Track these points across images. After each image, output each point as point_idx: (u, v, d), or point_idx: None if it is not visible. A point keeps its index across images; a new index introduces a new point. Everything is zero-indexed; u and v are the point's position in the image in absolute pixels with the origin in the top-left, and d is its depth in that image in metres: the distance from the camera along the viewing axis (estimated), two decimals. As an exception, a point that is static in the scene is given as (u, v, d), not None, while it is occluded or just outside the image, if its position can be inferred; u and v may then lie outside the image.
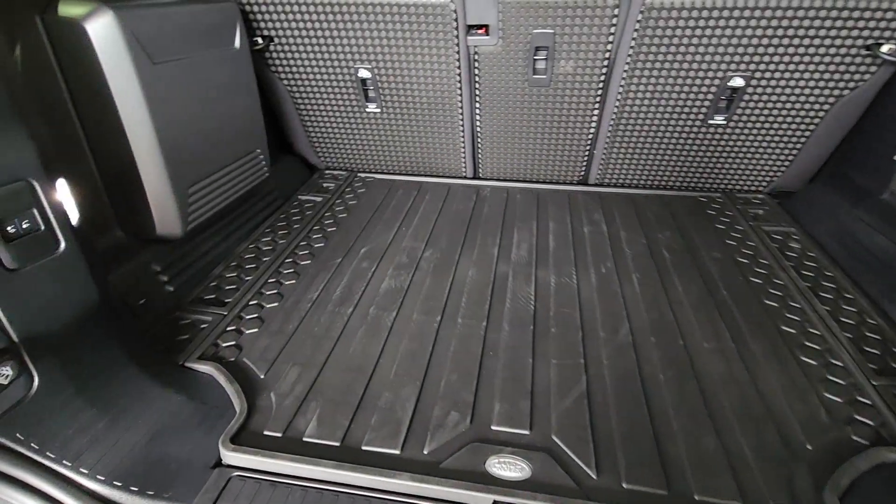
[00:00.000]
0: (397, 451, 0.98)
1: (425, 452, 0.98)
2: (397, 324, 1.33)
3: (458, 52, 1.75)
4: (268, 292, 1.45)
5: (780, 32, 1.54)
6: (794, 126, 1.76)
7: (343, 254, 1.64)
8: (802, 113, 1.72)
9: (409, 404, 1.09)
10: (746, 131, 1.81)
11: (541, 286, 1.47)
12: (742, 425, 1.03)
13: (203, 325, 1.32)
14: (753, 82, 1.66)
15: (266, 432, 1.02)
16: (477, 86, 1.85)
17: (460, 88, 1.85)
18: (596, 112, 1.85)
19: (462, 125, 1.97)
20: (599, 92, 1.79)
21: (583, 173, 2.07)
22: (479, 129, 1.99)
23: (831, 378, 1.15)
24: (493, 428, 1.03)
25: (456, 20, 1.67)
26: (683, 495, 0.91)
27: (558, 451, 0.98)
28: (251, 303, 1.41)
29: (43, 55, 1.16)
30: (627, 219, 1.83)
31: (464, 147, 2.05)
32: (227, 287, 1.48)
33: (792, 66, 1.60)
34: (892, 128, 1.61)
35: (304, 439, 1.01)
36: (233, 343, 1.27)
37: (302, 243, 1.70)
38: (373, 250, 1.66)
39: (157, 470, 0.94)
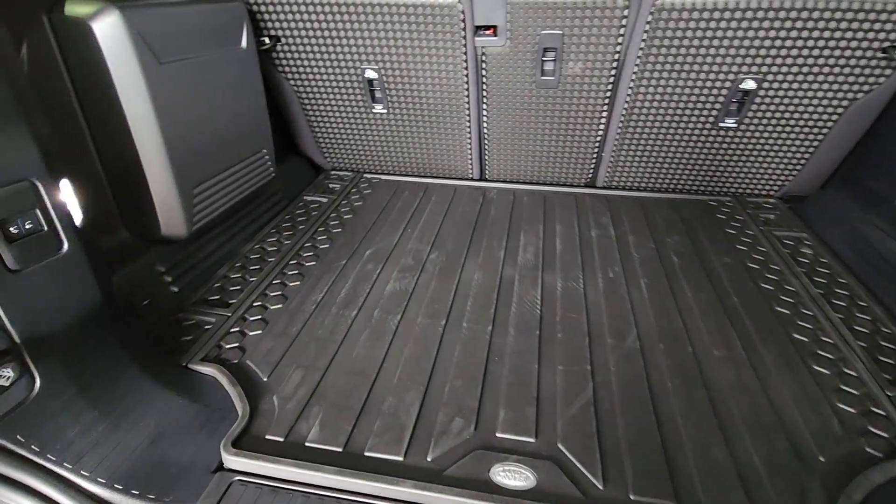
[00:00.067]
0: (400, 458, 0.97)
1: (429, 459, 0.96)
2: (402, 327, 1.32)
3: (465, 53, 1.74)
4: (272, 294, 1.44)
5: (793, 34, 1.51)
6: (806, 129, 1.74)
7: (348, 255, 1.63)
8: (815, 116, 1.69)
9: (413, 410, 1.07)
10: (758, 135, 1.78)
11: (547, 290, 1.46)
12: (752, 435, 1.01)
13: (207, 327, 1.32)
14: (765, 85, 1.63)
15: (268, 436, 1.01)
16: (484, 87, 1.84)
17: (467, 89, 1.84)
18: (604, 114, 1.83)
19: (469, 126, 1.96)
20: (608, 94, 1.76)
21: (590, 176, 2.05)
22: (486, 130, 1.97)
23: (845, 388, 1.12)
24: (498, 435, 1.02)
25: (464, 21, 1.66)
26: (692, 507, 0.89)
27: (564, 460, 0.97)
28: (255, 304, 1.40)
29: (49, 54, 1.16)
30: (636, 222, 1.81)
31: (470, 148, 2.03)
32: (232, 288, 1.47)
33: (805, 69, 1.58)
34: (908, 132, 1.58)
35: (307, 444, 1.00)
36: (236, 345, 1.26)
37: (307, 244, 1.69)
38: (378, 252, 1.65)
39: (159, 473, 0.93)
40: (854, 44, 1.50)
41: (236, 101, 1.58)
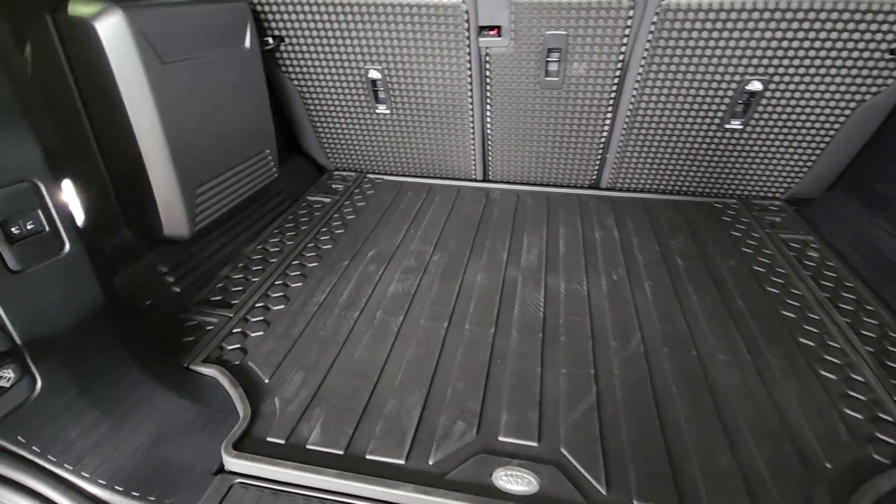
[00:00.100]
0: (402, 461, 0.96)
1: (430, 463, 0.96)
2: (404, 329, 1.31)
3: (469, 54, 1.73)
4: (274, 294, 1.44)
5: (800, 35, 1.50)
6: (813, 131, 1.72)
7: (350, 256, 1.62)
8: (822, 118, 1.68)
9: (415, 412, 1.06)
10: (764, 136, 1.77)
11: (550, 293, 1.45)
12: (758, 441, 1.00)
13: (209, 327, 1.31)
14: (772, 86, 1.62)
15: (269, 438, 1.01)
16: (488, 88, 1.83)
17: (471, 90, 1.83)
18: (609, 115, 1.82)
19: (472, 127, 1.95)
20: (613, 95, 1.75)
21: (594, 177, 2.04)
22: (489, 131, 1.96)
23: (852, 393, 1.11)
24: (501, 439, 1.01)
25: (468, 21, 1.65)
26: (697, 514, 0.88)
27: (567, 465, 0.96)
28: (257, 305, 1.40)
29: (53, 54, 1.16)
30: (640, 224, 1.80)
31: (474, 149, 2.03)
32: (234, 289, 1.47)
33: (812, 70, 1.56)
34: (917, 134, 1.57)
35: (308, 447, 0.99)
36: (238, 346, 1.25)
37: (309, 245, 1.69)
38: (381, 253, 1.64)
39: (159, 475, 0.93)
40: (861, 45, 1.49)
41: (240, 102, 1.58)
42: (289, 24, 1.78)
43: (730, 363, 1.19)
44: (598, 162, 1.98)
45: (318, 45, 1.82)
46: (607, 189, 2.06)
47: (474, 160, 2.07)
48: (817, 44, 1.51)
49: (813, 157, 1.79)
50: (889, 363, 1.18)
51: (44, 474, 0.85)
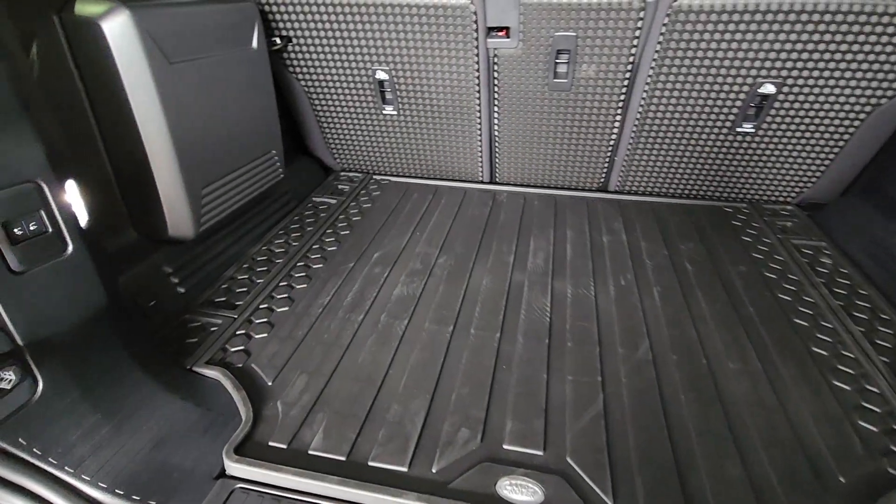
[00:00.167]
0: (404, 469, 0.94)
1: (433, 471, 0.94)
2: (408, 333, 1.30)
3: (477, 55, 1.72)
4: (279, 296, 1.43)
5: (815, 38, 1.47)
6: (826, 135, 1.69)
7: (356, 258, 1.61)
8: (836, 122, 1.65)
9: (419, 418, 1.05)
10: (776, 140, 1.74)
11: (557, 297, 1.43)
12: (769, 454, 0.98)
13: (213, 329, 1.31)
14: (785, 89, 1.59)
15: (271, 443, 1.00)
16: (496, 89, 1.81)
17: (479, 92, 1.81)
18: (618, 117, 1.80)
19: (480, 129, 1.93)
20: (622, 97, 1.73)
21: (602, 180, 2.02)
22: (496, 133, 1.95)
23: (866, 405, 1.08)
24: (505, 447, 0.99)
25: (476, 22, 1.64)
26: (706, 528, 0.86)
27: (573, 475, 0.94)
28: (261, 306, 1.39)
29: (60, 54, 1.16)
30: (648, 228, 1.78)
31: (481, 151, 2.01)
32: (238, 290, 1.46)
33: (827, 73, 1.53)
34: (934, 139, 1.53)
35: (310, 452, 0.98)
36: (241, 348, 1.25)
37: (315, 246, 1.68)
38: (386, 255, 1.63)
39: (160, 479, 0.92)
40: (878, 48, 1.46)
41: (246, 102, 1.58)
42: (296, 25, 1.77)
43: (740, 372, 1.17)
44: (606, 165, 1.95)
45: (326, 45, 1.81)
46: (616, 192, 2.04)
47: (481, 162, 2.05)
48: (833, 46, 1.48)
49: (826, 162, 1.76)
50: (905, 374, 1.16)
51: (44, 477, 0.84)
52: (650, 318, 1.34)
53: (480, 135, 1.95)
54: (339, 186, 2.13)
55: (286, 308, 1.39)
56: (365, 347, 1.25)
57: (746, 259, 1.59)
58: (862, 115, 1.61)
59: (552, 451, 0.99)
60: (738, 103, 1.66)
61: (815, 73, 1.54)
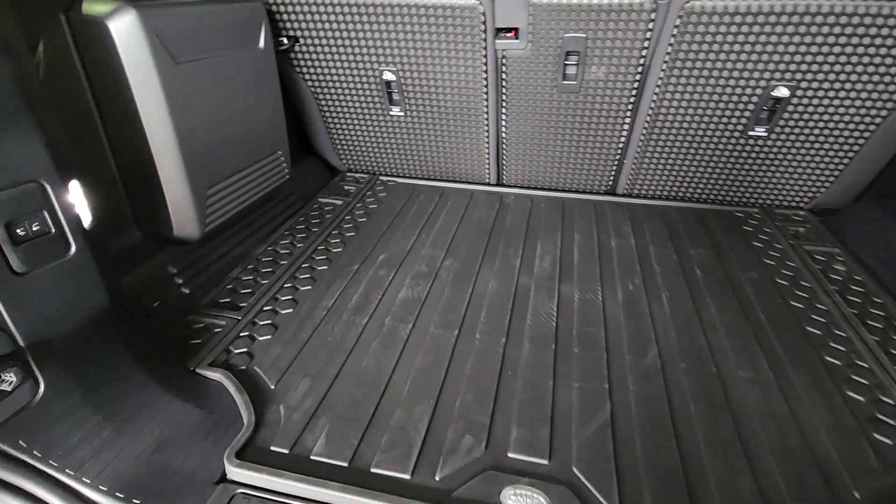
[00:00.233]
0: (407, 476, 0.93)
1: (437, 479, 0.93)
2: (413, 336, 1.28)
3: (485, 56, 1.70)
4: (283, 298, 1.42)
5: (830, 40, 1.44)
6: (841, 139, 1.66)
7: (361, 260, 1.60)
8: (851, 126, 1.61)
9: (422, 425, 1.03)
10: (789, 144, 1.71)
11: (564, 302, 1.41)
12: (781, 466, 0.95)
13: (217, 330, 1.30)
14: (799, 92, 1.56)
15: (273, 448, 0.99)
16: (504, 91, 1.79)
17: (486, 93, 1.80)
18: (628, 120, 1.77)
19: (487, 130, 1.92)
20: (632, 99, 1.71)
21: (611, 183, 1.99)
22: (504, 134, 1.93)
23: (881, 417, 1.05)
24: (510, 455, 0.97)
25: (484, 23, 1.62)
26: (715, 542, 0.84)
27: (579, 485, 0.92)
28: (266, 308, 1.38)
29: (66, 53, 1.16)
30: (657, 233, 1.75)
31: (488, 153, 1.99)
32: (243, 291, 1.45)
33: (843, 76, 1.50)
34: (952, 144, 1.50)
35: (312, 457, 0.97)
36: (245, 350, 1.24)
37: (320, 248, 1.67)
38: (391, 257, 1.62)
39: (160, 483, 0.91)
40: (895, 51, 1.42)
41: (253, 102, 1.57)
42: (304, 25, 1.77)
43: (751, 381, 1.14)
44: (615, 168, 1.93)
45: (333, 45, 1.80)
46: (624, 196, 2.01)
47: (488, 164, 2.03)
48: (848, 49, 1.45)
49: (840, 167, 1.73)
50: (921, 386, 1.12)
51: (44, 479, 0.84)
52: (659, 325, 1.32)
53: (488, 136, 1.93)
54: (345, 187, 2.12)
55: (290, 310, 1.38)
56: (369, 351, 1.24)
57: (758, 265, 1.56)
58: (878, 120, 1.58)
59: (558, 460, 0.97)
60: (751, 106, 1.63)
61: (831, 77, 1.51)
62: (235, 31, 1.46)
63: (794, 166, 1.77)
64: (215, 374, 1.15)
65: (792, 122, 1.64)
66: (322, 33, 1.77)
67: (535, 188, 2.08)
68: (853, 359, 1.20)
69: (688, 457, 0.98)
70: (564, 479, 0.93)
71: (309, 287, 1.47)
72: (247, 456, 0.96)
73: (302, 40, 1.82)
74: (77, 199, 0.93)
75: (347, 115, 2.02)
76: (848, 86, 1.52)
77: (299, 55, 1.87)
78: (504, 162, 2.02)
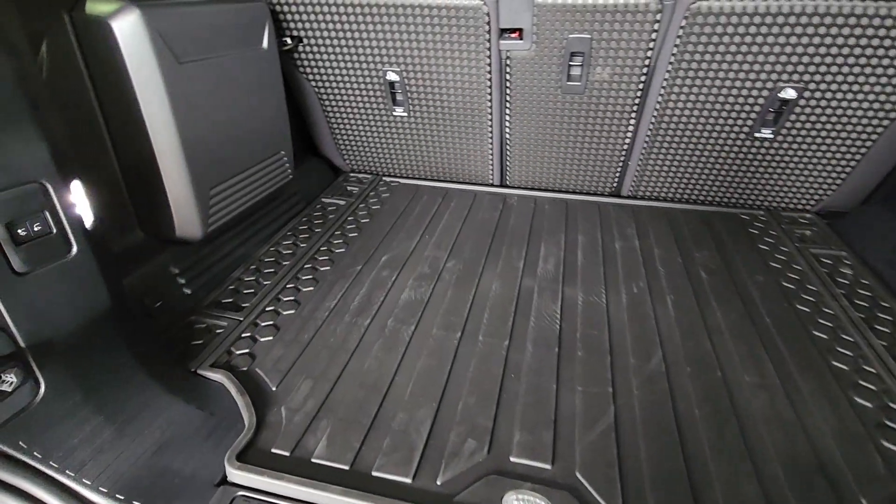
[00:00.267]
0: (409, 480, 0.92)
1: (438, 483, 0.92)
2: (415, 338, 1.28)
3: (489, 57, 1.69)
4: (285, 299, 1.42)
5: (838, 41, 1.43)
6: (849, 142, 1.64)
7: (364, 261, 1.59)
8: (859, 128, 1.60)
9: (424, 428, 1.03)
10: (795, 146, 1.69)
11: (567, 304, 1.40)
12: (788, 473, 0.94)
13: (218, 331, 1.30)
14: (807, 94, 1.55)
15: (274, 450, 0.98)
16: (508, 92, 1.79)
17: (490, 94, 1.79)
18: (633, 121, 1.76)
19: (491, 131, 1.91)
20: (637, 100, 1.70)
21: (615, 185, 1.98)
22: (508, 135, 1.92)
23: (889, 424, 1.04)
24: (513, 459, 0.96)
25: (488, 23, 1.61)
26: (720, 550, 0.83)
27: (582, 490, 0.91)
28: (268, 309, 1.37)
29: (69, 53, 1.15)
30: (662, 235, 1.74)
31: (492, 154, 1.98)
32: (245, 291, 1.45)
33: (851, 78, 1.49)
34: (962, 147, 1.48)
35: (313, 460, 0.96)
36: (246, 351, 1.23)
37: (322, 248, 1.67)
38: (394, 258, 1.61)
39: (161, 485, 0.91)
40: (905, 52, 1.41)
41: (256, 103, 1.57)
42: (307, 25, 1.76)
43: (757, 386, 1.13)
44: (619, 169, 1.92)
45: (337, 46, 1.80)
46: (628, 197, 2.00)
47: (492, 165, 2.02)
48: (857, 51, 1.43)
49: (847, 169, 1.71)
50: (930, 392, 1.11)
51: (44, 480, 0.83)
52: (663, 328, 1.31)
53: (491, 137, 1.93)
54: (349, 188, 2.11)
55: (292, 311, 1.37)
56: (371, 353, 1.23)
57: (763, 268, 1.55)
58: (886, 122, 1.56)
59: (561, 465, 0.96)
60: (757, 108, 1.61)
61: (839, 78, 1.49)
62: (239, 31, 1.46)
63: (801, 168, 1.75)
64: (217, 376, 1.15)
65: (799, 124, 1.63)
66: (326, 33, 1.77)
67: (539, 189, 2.07)
68: (860, 364, 1.19)
69: (692, 462, 0.96)
70: (567, 485, 0.92)
71: (311, 288, 1.47)
72: (248, 458, 0.95)
73: (305, 40, 1.81)
74: (79, 199, 0.92)
75: (351, 116, 2.02)
76: (856, 87, 1.51)
77: (303, 55, 1.86)
78: (508, 163, 2.01)
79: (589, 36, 1.58)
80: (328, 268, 1.56)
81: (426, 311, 1.37)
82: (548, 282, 1.49)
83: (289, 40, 1.79)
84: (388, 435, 1.01)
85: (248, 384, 1.13)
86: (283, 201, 1.87)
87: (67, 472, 0.85)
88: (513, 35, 1.65)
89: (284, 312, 1.37)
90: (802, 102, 1.57)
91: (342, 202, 1.99)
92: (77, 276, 0.91)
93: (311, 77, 1.93)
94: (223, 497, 0.91)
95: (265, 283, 1.48)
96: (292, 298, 1.42)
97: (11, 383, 0.81)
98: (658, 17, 1.50)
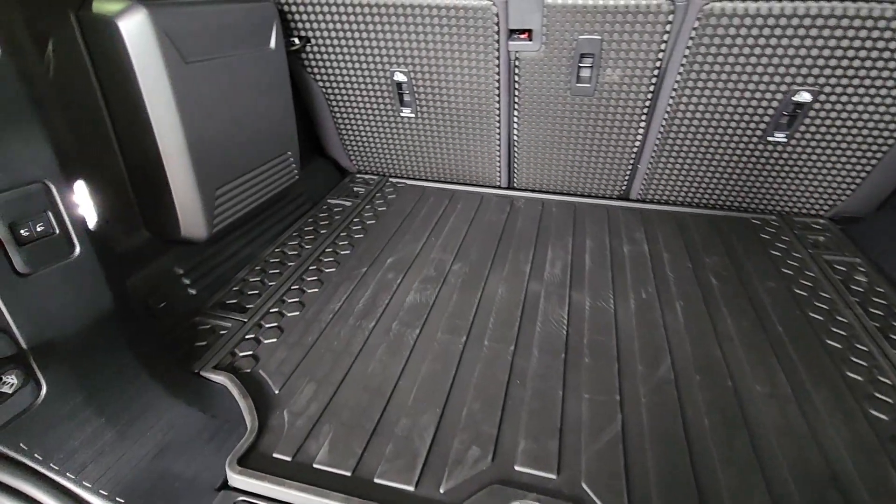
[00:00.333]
0: (411, 488, 0.91)
1: (441, 492, 0.90)
2: (420, 342, 1.26)
3: (498, 58, 1.68)
4: (290, 300, 1.41)
5: (855, 44, 1.39)
6: (864, 146, 1.61)
7: (369, 263, 1.58)
8: (875, 132, 1.56)
9: (428, 434, 1.01)
10: (809, 150, 1.66)
11: (575, 309, 1.38)
12: (800, 487, 0.92)
13: (222, 332, 1.29)
14: (822, 97, 1.52)
15: (275, 455, 0.97)
16: (516, 93, 1.77)
17: (499, 95, 1.77)
18: (643, 124, 1.74)
19: (499, 133, 1.89)
20: (647, 103, 1.67)
21: (624, 188, 1.96)
22: (516, 137, 1.90)
23: (906, 437, 1.01)
24: (517, 468, 0.95)
25: (497, 24, 1.60)
26: (730, 566, 0.81)
27: (588, 502, 0.89)
28: (272, 310, 1.37)
29: (76, 52, 1.15)
30: (671, 239, 1.71)
31: (499, 155, 1.97)
32: (250, 292, 1.44)
33: (868, 81, 1.45)
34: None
35: (315, 466, 0.95)
36: (250, 353, 1.22)
37: (328, 250, 1.66)
38: (400, 261, 1.60)
39: (161, 488, 0.90)
40: (924, 55, 1.38)
41: (263, 103, 1.56)
42: (315, 25, 1.75)
43: (768, 396, 1.10)
44: (628, 172, 1.89)
45: (345, 46, 1.79)
46: (637, 201, 1.97)
47: (499, 167, 2.01)
48: (874, 54, 1.40)
49: (863, 174, 1.68)
50: (948, 404, 1.08)
51: (44, 482, 0.83)
52: (672, 335, 1.28)
53: (499, 139, 1.91)
54: (355, 189, 2.10)
55: (297, 313, 1.36)
56: (375, 356, 1.22)
57: (775, 274, 1.52)
58: (903, 126, 1.53)
59: (566, 475, 0.94)
60: (771, 111, 1.58)
61: (856, 82, 1.46)
62: (246, 31, 1.45)
63: (815, 173, 1.72)
64: (219, 378, 1.14)
65: (813, 128, 1.60)
66: (334, 34, 1.76)
67: (547, 192, 2.05)
68: (875, 374, 1.16)
69: (701, 473, 0.94)
70: (573, 495, 0.90)
71: (316, 289, 1.46)
72: (249, 463, 0.94)
73: (313, 40, 1.80)
74: (83, 199, 0.92)
75: (358, 116, 2.01)
76: (872, 91, 1.47)
77: (310, 55, 1.85)
78: (515, 165, 1.99)
79: (599, 37, 1.56)
80: (333, 269, 1.55)
81: (431, 315, 1.36)
82: (555, 286, 1.47)
83: (297, 40, 1.79)
84: (391, 441, 1.00)
85: (251, 387, 1.12)
86: (289, 202, 1.86)
87: (68, 474, 0.85)
88: (522, 36, 1.64)
89: (289, 314, 1.36)
90: (817, 106, 1.54)
91: (348, 203, 1.98)
92: (80, 277, 0.91)
93: (318, 77, 1.92)
94: (224, 501, 0.90)
95: (270, 284, 1.48)
96: (297, 300, 1.41)
97: (12, 385, 0.80)
98: (670, 18, 1.47)
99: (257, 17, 1.49)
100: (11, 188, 0.79)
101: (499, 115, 1.84)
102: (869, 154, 1.62)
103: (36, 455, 0.83)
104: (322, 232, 1.76)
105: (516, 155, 1.96)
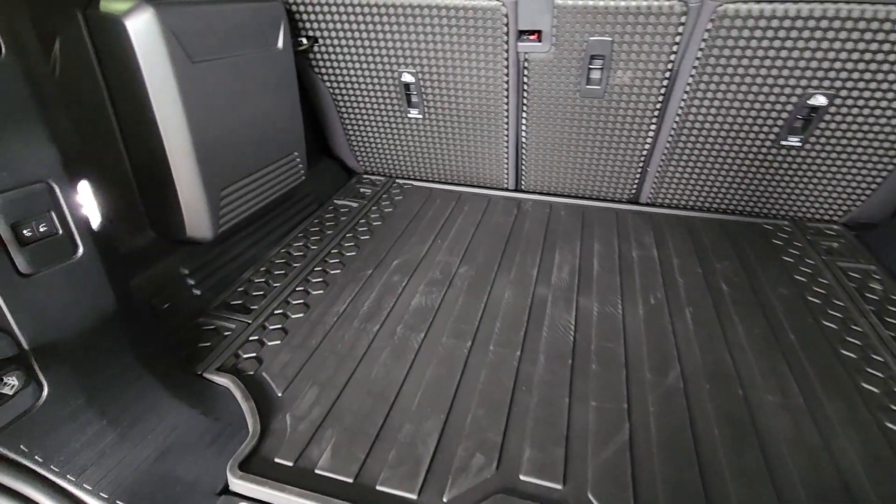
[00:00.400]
0: (414, 496, 0.89)
1: (444, 500, 0.89)
2: (425, 346, 1.25)
3: (507, 59, 1.66)
4: (294, 302, 1.40)
5: (872, 47, 1.36)
6: (881, 151, 1.57)
7: (374, 265, 1.57)
8: (892, 137, 1.53)
9: (431, 440, 1.00)
10: (824, 155, 1.63)
11: (582, 315, 1.36)
12: (811, 498, 0.89)
13: (226, 333, 1.28)
14: (837, 101, 1.48)
15: (277, 459, 0.96)
16: (525, 94, 1.75)
17: (507, 97, 1.75)
18: (653, 127, 1.71)
19: (507, 135, 1.87)
20: (658, 105, 1.65)
21: (634, 191, 1.93)
22: (524, 139, 1.88)
23: (923, 452, 0.98)
24: (522, 478, 0.93)
25: (507, 25, 1.58)
26: (740, 583, 0.78)
27: (594, 513, 0.87)
28: (276, 312, 1.36)
29: (83, 52, 1.15)
30: (681, 244, 1.68)
31: (507, 157, 1.95)
32: (255, 293, 1.43)
33: (885, 85, 1.42)
34: None
35: (316, 471, 0.94)
36: (253, 355, 1.22)
37: (333, 251, 1.65)
38: (405, 263, 1.58)
39: (162, 491, 0.89)
40: (944, 59, 1.34)
41: (270, 103, 1.55)
42: (323, 25, 1.75)
43: (780, 406, 1.08)
44: (638, 175, 1.87)
45: (353, 46, 1.78)
46: (647, 205, 1.95)
47: (507, 169, 1.99)
48: (891, 57, 1.37)
49: (878, 180, 1.64)
50: (967, 418, 1.05)
51: (44, 484, 0.82)
52: (681, 342, 1.26)
53: (507, 141, 1.89)
54: (362, 190, 2.10)
55: (301, 315, 1.35)
56: (379, 360, 1.20)
57: (788, 281, 1.49)
58: (921, 131, 1.49)
59: (572, 485, 0.92)
60: (785, 115, 1.55)
61: (872, 85, 1.43)
62: (254, 30, 1.44)
63: (829, 178, 1.68)
64: (223, 380, 1.13)
65: (828, 133, 1.57)
66: (341, 34, 1.75)
67: (555, 195, 2.03)
68: (891, 386, 1.13)
69: (711, 484, 0.92)
70: (579, 506, 0.88)
71: (321, 291, 1.45)
72: (250, 467, 0.93)
73: (321, 41, 1.80)
74: (87, 199, 0.91)
75: (365, 117, 2.00)
76: (890, 95, 1.44)
77: (318, 56, 1.85)
78: (523, 167, 1.98)
79: (610, 38, 1.54)
80: (339, 271, 1.54)
81: (436, 319, 1.34)
82: (562, 291, 1.45)
83: (304, 40, 1.78)
84: (394, 447, 0.99)
85: (254, 389, 1.11)
86: (295, 202, 1.85)
87: (68, 476, 0.84)
88: (531, 37, 1.62)
89: (293, 316, 1.35)
90: (833, 110, 1.51)
91: (355, 204, 1.97)
92: (83, 278, 0.90)
93: (325, 78, 1.91)
94: (224, 506, 0.89)
95: (275, 285, 1.47)
96: (301, 302, 1.40)
97: (13, 386, 0.80)
98: (683, 19, 1.45)
99: (265, 16, 1.49)
100: (14, 188, 0.79)
101: (507, 117, 1.82)
102: (885, 159, 1.59)
103: (36, 457, 0.82)
104: (328, 233, 1.75)
105: (524, 157, 1.94)
